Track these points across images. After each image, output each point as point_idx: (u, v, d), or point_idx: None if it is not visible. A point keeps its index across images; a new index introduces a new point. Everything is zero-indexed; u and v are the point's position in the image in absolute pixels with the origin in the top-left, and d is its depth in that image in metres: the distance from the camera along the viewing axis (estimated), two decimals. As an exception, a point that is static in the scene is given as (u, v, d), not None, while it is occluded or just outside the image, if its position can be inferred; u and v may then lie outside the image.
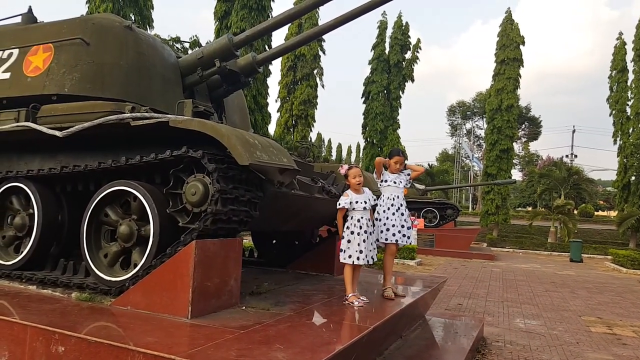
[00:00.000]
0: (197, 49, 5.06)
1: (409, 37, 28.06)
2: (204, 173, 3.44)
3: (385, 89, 27.76)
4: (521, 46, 27.22)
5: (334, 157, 63.92)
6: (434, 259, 16.69)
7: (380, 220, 4.32)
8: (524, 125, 54.12)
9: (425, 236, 18.98)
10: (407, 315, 4.48)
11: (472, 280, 11.78)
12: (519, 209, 47.71)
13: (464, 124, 57.40)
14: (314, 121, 24.24)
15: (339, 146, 70.05)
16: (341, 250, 4.11)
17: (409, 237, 4.35)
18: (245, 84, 5.56)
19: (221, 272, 3.52)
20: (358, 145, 61.43)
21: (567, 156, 45.22)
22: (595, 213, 41.46)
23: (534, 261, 18.57)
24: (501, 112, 26.96)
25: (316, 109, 24.20)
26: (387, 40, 28.20)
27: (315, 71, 23.95)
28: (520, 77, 27.44)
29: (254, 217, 3.70)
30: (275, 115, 25.26)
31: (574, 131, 47.38)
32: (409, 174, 4.48)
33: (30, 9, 4.74)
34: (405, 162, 4.48)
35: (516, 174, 52.46)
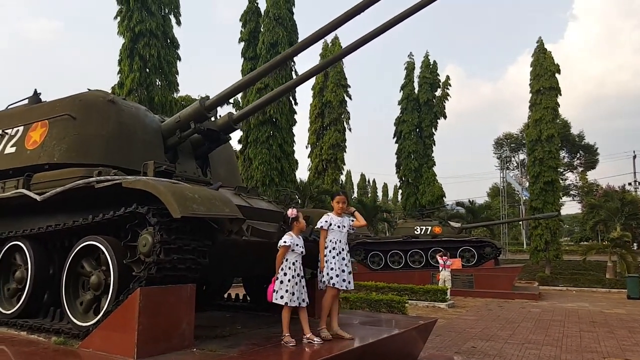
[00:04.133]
0: (176, 114, 5.66)
1: (437, 75, 28.37)
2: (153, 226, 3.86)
3: (417, 127, 27.92)
4: (557, 75, 26.61)
5: (379, 197, 63.63)
6: (471, 301, 15.98)
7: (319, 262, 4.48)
8: (578, 154, 51.46)
9: (462, 277, 18.24)
10: (369, 357, 4.52)
11: (501, 322, 11.23)
12: (583, 242, 44.60)
13: (513, 157, 55.44)
14: (344, 164, 24.80)
15: (385, 186, 69.89)
16: (274, 290, 4.30)
17: (349, 282, 4.43)
18: (225, 140, 6.09)
19: (170, 317, 3.84)
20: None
21: (629, 184, 42.24)
22: (666, 244, 37.81)
23: (586, 300, 17.25)
24: (541, 142, 26.06)
25: (345, 152, 24.81)
26: (416, 79, 28.65)
27: (342, 116, 24.73)
28: (559, 105, 26.64)
29: (202, 265, 4.04)
30: (306, 161, 26.08)
31: (634, 157, 44.46)
32: (352, 220, 4.63)
33: (35, 91, 5.60)
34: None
35: (575, 206, 49.40)
